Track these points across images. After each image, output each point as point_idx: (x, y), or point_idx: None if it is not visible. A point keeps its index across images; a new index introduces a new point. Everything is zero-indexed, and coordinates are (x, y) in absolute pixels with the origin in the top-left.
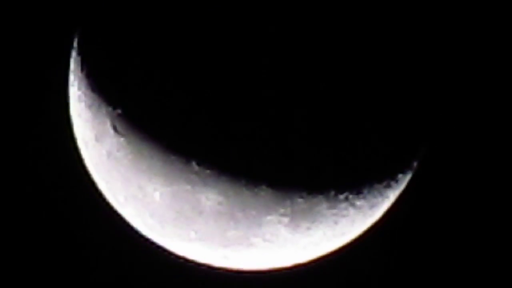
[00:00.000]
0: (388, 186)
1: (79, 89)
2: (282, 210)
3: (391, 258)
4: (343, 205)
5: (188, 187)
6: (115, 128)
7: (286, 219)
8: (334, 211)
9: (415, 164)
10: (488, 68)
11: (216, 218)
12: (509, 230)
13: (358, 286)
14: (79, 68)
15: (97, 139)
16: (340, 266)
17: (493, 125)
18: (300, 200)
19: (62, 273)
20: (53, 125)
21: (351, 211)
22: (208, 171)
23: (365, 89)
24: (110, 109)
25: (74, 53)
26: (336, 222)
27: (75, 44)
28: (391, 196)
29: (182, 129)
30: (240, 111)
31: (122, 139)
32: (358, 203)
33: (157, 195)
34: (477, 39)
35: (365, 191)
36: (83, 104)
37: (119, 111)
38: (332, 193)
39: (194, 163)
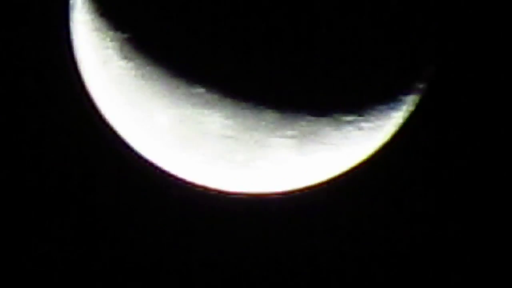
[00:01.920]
0: (394, 108)
1: (86, 14)
2: (288, 133)
3: (397, 181)
4: (349, 127)
5: (194, 110)
6: (121, 53)
7: (292, 142)
8: (340, 133)
9: (420, 86)
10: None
11: (222, 141)
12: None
13: (362, 210)
14: None
15: (104, 63)
16: (345, 190)
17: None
18: (305, 123)
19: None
20: (55, 53)
21: (357, 133)
22: (213, 95)
23: (369, 10)
24: (118, 33)
25: None
26: (341, 145)
27: None
28: (397, 118)
29: (187, 52)
30: (246, 34)
31: (129, 63)
32: (363, 125)
33: (162, 118)
34: None
35: (371, 113)
36: (89, 28)
37: (125, 35)
38: (337, 115)
39: (199, 86)
